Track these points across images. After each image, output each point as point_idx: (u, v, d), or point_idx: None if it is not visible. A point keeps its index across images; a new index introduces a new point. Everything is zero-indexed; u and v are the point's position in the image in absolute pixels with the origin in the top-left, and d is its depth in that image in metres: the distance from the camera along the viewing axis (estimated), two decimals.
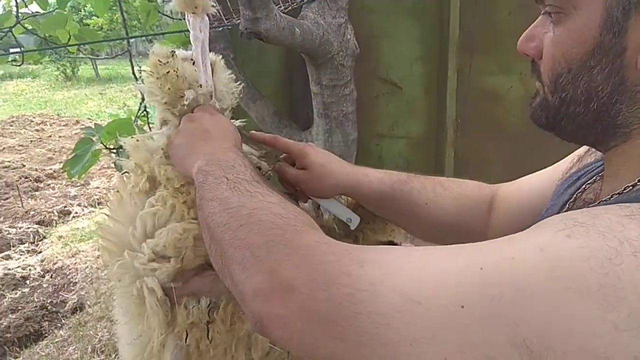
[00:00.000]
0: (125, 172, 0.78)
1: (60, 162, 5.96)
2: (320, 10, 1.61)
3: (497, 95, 1.81)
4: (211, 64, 0.81)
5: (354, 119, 1.82)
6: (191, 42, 0.79)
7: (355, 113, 1.81)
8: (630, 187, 0.49)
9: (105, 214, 0.77)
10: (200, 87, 0.78)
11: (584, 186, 0.63)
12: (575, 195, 0.63)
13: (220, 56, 0.85)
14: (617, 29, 0.46)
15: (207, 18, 0.79)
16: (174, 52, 0.77)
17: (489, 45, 1.75)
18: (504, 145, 1.84)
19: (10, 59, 1.99)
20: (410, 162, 2.02)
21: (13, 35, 1.93)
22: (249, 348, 0.74)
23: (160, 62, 0.75)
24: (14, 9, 1.85)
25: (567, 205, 0.63)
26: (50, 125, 7.77)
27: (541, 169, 0.81)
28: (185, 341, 0.70)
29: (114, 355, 2.53)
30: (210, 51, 0.82)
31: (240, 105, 1.92)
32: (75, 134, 7.20)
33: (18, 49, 2.04)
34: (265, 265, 0.47)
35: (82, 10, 11.21)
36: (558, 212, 0.62)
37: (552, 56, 0.52)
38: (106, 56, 12.03)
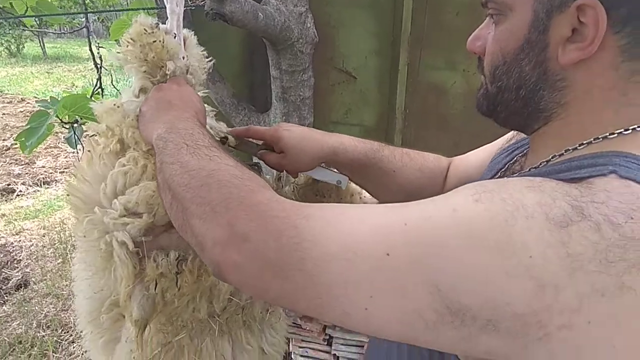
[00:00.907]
0: (94, 134, 0.82)
1: (4, 140, 5.71)
2: None
3: (442, 89, 1.95)
4: (184, 39, 0.86)
5: (310, 104, 1.91)
6: (168, 15, 0.84)
7: (312, 99, 1.91)
8: (545, 163, 0.59)
9: (73, 173, 0.81)
10: (183, 59, 0.83)
11: (515, 158, 0.74)
12: (507, 165, 0.74)
13: (192, 32, 0.91)
14: (542, 27, 0.54)
15: None
16: (158, 23, 0.82)
17: (438, 42, 1.88)
18: (446, 135, 1.99)
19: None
20: None
21: None
22: (210, 301, 0.81)
23: (146, 30, 0.79)
24: None
25: (499, 174, 0.74)
26: None
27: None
28: (155, 290, 0.76)
29: (60, 330, 2.51)
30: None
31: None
32: (21, 112, 6.89)
33: None
34: (224, 218, 0.53)
35: None
36: (491, 178, 0.74)
37: (492, 52, 0.61)
38: (55, 32, 11.50)
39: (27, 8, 2.02)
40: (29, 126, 1.86)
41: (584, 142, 0.55)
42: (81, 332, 0.92)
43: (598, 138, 0.54)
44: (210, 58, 0.96)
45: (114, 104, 0.81)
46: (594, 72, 0.53)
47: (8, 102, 7.44)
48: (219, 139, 0.96)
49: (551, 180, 0.49)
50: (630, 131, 0.52)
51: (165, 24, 0.84)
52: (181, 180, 0.60)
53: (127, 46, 0.79)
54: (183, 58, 0.84)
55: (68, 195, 0.80)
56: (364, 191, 1.04)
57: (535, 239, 0.43)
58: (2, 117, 6.57)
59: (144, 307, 0.76)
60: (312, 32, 1.77)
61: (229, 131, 0.93)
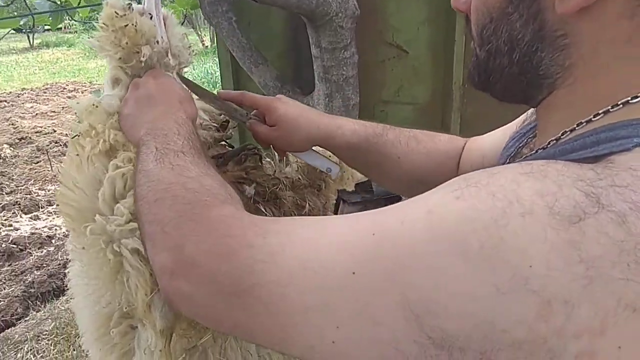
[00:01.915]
0: (76, 135, 0.76)
1: None
2: None
3: None
4: (163, 19, 0.79)
5: (355, 83, 1.78)
6: None
7: (357, 77, 1.78)
8: (554, 141, 0.47)
9: (61, 182, 0.75)
10: (157, 43, 0.77)
11: (526, 140, 0.61)
12: (517, 150, 0.61)
13: (172, 11, 0.83)
14: None
15: None
16: (131, 4, 0.75)
17: None
18: (510, 112, 1.77)
19: (21, 22, 2.04)
20: (415, 128, 1.98)
21: (25, 1, 1.97)
22: None
23: (117, 14, 0.73)
24: None
25: (508, 160, 0.61)
26: (82, 93, 7.95)
27: None
28: None
29: None
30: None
31: (244, 69, 1.91)
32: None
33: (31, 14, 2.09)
34: (172, 241, 0.48)
35: None
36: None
37: (476, 7, 0.50)
38: None
39: (80, 0, 2.08)
40: None
41: (599, 111, 0.43)
42: (87, 351, 0.89)
43: (617, 105, 0.42)
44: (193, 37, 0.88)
45: (92, 103, 0.75)
46: (603, 22, 0.41)
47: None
48: (217, 125, 0.89)
49: (557, 162, 0.38)
50: None
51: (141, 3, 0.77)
52: (141, 192, 0.55)
53: (100, 31, 0.73)
54: (161, 40, 0.76)
55: (58, 205, 0.75)
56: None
57: (534, 242, 0.33)
58: None
59: (167, 315, 0.71)
60: (353, 5, 1.63)
61: (220, 93, 0.86)
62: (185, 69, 0.86)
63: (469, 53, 1.77)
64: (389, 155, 0.82)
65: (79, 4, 2.12)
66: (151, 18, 0.76)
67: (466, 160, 0.82)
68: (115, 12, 0.73)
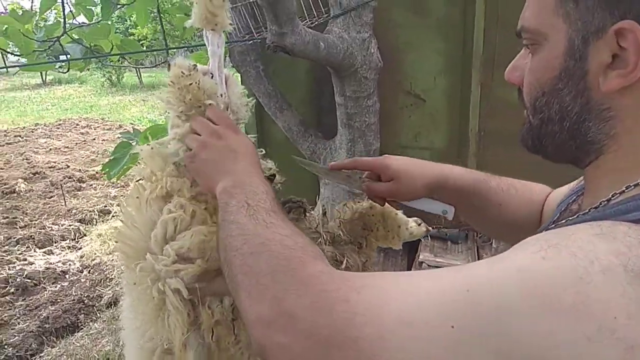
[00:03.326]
0: (140, 179, 0.82)
1: (103, 164, 6.22)
2: (346, 25, 1.68)
3: (519, 108, 1.82)
4: (225, 78, 0.86)
5: (376, 129, 1.87)
6: (209, 56, 0.85)
7: (378, 124, 1.87)
8: (605, 202, 0.53)
9: (122, 220, 0.81)
10: (221, 96, 0.84)
11: (575, 196, 0.67)
12: (567, 205, 0.67)
13: (234, 71, 0.91)
14: (579, 55, 0.50)
15: (223, 35, 0.85)
16: (196, 65, 0.83)
17: (512, 59, 1.77)
18: (525, 157, 1.85)
19: (57, 66, 2.15)
20: None
21: (60, 44, 2.08)
22: None
23: (183, 73, 0.79)
24: (63, 19, 2.00)
25: (559, 215, 0.67)
26: (95, 129, 8.12)
27: (562, 179, 0.85)
28: (212, 339, 0.74)
29: None
30: (241, 63, 0.88)
31: (268, 114, 2.01)
32: (118, 137, 7.49)
33: (65, 57, 2.20)
34: (269, 293, 0.51)
35: (128, 20, 11.69)
36: (555, 221, 0.66)
37: (529, 82, 0.56)
38: (149, 65, 12.47)
39: (113, 46, 2.19)
40: (113, 157, 2.00)
41: None
42: None
43: None
44: (251, 98, 0.95)
45: (151, 147, 0.82)
46: None
47: (108, 129, 8.13)
48: (266, 176, 0.94)
49: (620, 223, 0.44)
50: None
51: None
52: (234, 244, 0.59)
53: (168, 88, 0.80)
54: (222, 96, 0.84)
55: (117, 242, 0.80)
56: (410, 221, 0.99)
57: (616, 296, 0.39)
58: (102, 143, 7.19)
59: (200, 355, 0.75)
60: (376, 58, 1.74)
61: (332, 165, 0.92)
62: None
63: (484, 102, 1.87)
64: (492, 201, 0.86)
65: (111, 50, 2.23)
66: (212, 77, 0.83)
67: (546, 211, 0.87)
68: (182, 71, 0.80)
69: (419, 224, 1.01)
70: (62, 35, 1.98)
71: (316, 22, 1.70)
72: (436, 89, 1.95)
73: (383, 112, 1.89)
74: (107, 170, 1.97)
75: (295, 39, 1.43)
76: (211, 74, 0.85)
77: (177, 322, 0.74)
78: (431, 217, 1.02)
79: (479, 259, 2.07)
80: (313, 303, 0.48)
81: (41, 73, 14.18)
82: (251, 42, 1.78)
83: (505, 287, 0.42)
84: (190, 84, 0.80)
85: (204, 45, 0.88)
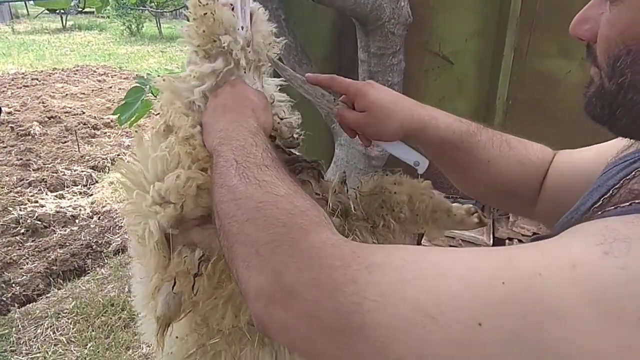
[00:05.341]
0: (159, 112, 0.78)
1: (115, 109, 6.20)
2: None
3: (553, 79, 1.71)
4: (251, 14, 0.77)
5: (399, 90, 1.77)
6: None
7: (402, 85, 1.77)
8: None
9: (132, 152, 0.77)
10: (241, 29, 0.75)
11: (634, 172, 0.55)
12: (622, 182, 0.55)
13: (262, 7, 0.82)
14: None
15: None
16: None
17: (551, 25, 1.65)
18: (555, 132, 1.75)
19: (72, 3, 2.07)
20: None
21: None
22: (235, 312, 0.72)
23: (200, 3, 0.73)
24: None
25: (611, 192, 0.57)
26: (112, 77, 8.06)
27: None
28: (172, 289, 0.69)
29: None
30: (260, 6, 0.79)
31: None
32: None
33: None
34: (269, 265, 0.45)
35: None
36: (601, 198, 0.57)
37: (607, 37, 0.47)
38: (170, 16, 12.27)
39: None
40: (125, 101, 1.95)
41: None
42: (139, 314, 0.90)
43: None
44: (282, 38, 0.87)
45: (163, 79, 0.76)
46: None
47: (124, 78, 8.05)
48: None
49: None
50: None
51: None
52: (228, 210, 0.52)
53: (187, 21, 0.74)
54: (242, 29, 0.76)
55: (120, 171, 0.76)
56: (456, 207, 0.87)
57: None
58: (118, 92, 7.13)
59: (169, 305, 0.70)
60: (406, 12, 1.63)
61: (308, 76, 0.83)
62: None
63: (516, 69, 1.75)
64: (479, 158, 0.77)
65: None
66: (233, 9, 0.76)
67: (554, 174, 0.77)
68: (199, 1, 0.74)
69: (472, 213, 0.88)
70: None
71: None
72: (466, 52, 1.84)
73: (406, 73, 1.79)
74: (118, 114, 1.92)
75: None
76: (232, 5, 0.77)
77: (151, 265, 0.70)
78: (446, 184, 0.92)
79: (494, 234, 2.00)
80: (315, 280, 0.42)
81: (61, 17, 14.05)
82: None
83: (553, 286, 0.34)
84: (205, 14, 0.74)
85: None
